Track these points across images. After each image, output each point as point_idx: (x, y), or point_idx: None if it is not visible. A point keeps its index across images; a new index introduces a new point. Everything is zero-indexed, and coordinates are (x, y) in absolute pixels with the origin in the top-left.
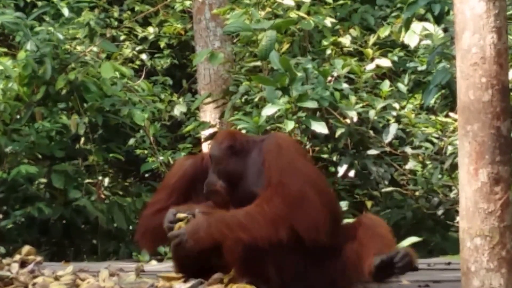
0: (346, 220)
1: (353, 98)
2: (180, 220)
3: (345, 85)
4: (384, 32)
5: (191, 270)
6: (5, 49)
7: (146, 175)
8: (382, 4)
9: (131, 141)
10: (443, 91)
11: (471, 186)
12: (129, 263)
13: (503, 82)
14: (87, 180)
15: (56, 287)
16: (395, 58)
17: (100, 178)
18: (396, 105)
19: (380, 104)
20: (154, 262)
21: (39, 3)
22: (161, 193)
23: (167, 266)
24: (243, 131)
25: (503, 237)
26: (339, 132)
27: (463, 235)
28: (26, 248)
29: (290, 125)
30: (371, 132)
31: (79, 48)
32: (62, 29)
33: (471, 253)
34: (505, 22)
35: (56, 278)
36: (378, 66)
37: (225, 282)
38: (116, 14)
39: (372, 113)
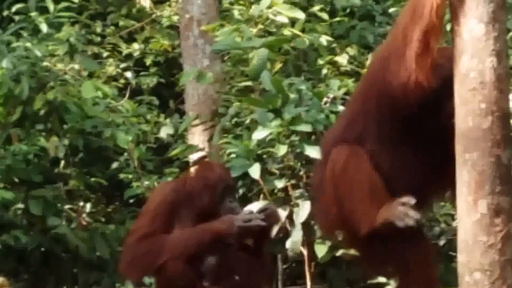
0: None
1: None
2: None
3: (341, 107)
4: None
5: None
6: None
7: (131, 201)
8: (381, 21)
9: (115, 165)
10: None
11: (470, 218)
12: None
13: (503, 108)
14: (67, 206)
15: None
16: None
17: (81, 204)
18: None
19: None
20: None
21: (16, 18)
22: (143, 219)
23: None
24: (233, 156)
25: (503, 271)
26: None
27: (462, 269)
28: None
29: (282, 149)
30: None
31: (58, 65)
32: (41, 45)
33: None
34: (505, 46)
35: None
36: None
37: None
38: (99, 30)
39: None
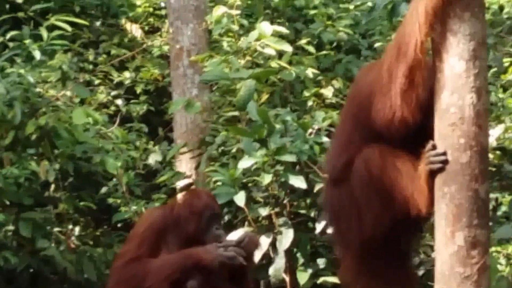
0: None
1: None
2: None
3: (325, 139)
4: None
5: None
6: None
7: (119, 225)
8: (367, 55)
9: (103, 190)
10: None
11: (448, 249)
12: None
13: (481, 143)
14: (56, 229)
15: None
16: None
17: (70, 227)
18: None
19: None
20: None
21: (11, 44)
22: (130, 243)
23: None
24: (219, 184)
25: None
26: (318, 187)
27: None
28: None
29: (267, 178)
30: None
31: (51, 92)
32: (34, 72)
33: None
34: (485, 82)
35: None
36: None
37: None
38: (91, 58)
39: None
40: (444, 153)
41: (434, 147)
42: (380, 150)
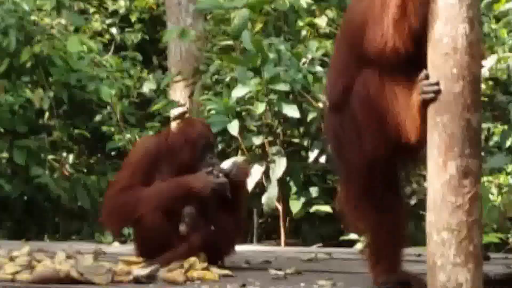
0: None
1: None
2: None
3: (319, 68)
4: None
5: (153, 253)
6: None
7: (112, 153)
8: None
9: (98, 118)
10: None
11: (439, 179)
12: (91, 244)
13: (474, 73)
14: (50, 157)
15: (10, 269)
16: None
17: (64, 155)
18: None
19: None
20: (116, 244)
21: None
22: (124, 171)
23: (130, 248)
24: (212, 112)
25: (470, 231)
26: (311, 116)
27: (430, 228)
28: None
29: (260, 107)
30: None
31: (46, 20)
32: (29, 0)
33: (437, 247)
34: (478, 13)
35: (11, 259)
36: None
37: (185, 268)
38: None
39: None
40: (437, 83)
41: (427, 77)
42: (379, 72)
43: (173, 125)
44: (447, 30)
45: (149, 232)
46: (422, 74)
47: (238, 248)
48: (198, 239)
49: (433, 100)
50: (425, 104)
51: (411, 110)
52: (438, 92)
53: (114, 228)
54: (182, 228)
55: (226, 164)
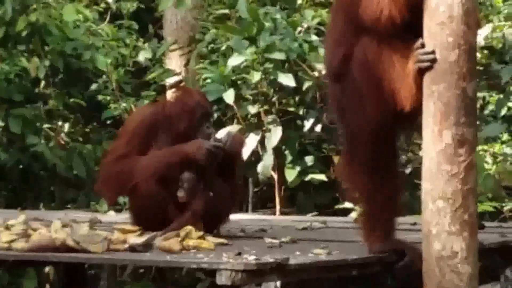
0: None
1: (322, 51)
2: None
3: (314, 37)
4: None
5: (148, 222)
6: None
7: (108, 122)
8: None
9: (93, 87)
10: None
11: (435, 147)
12: (87, 213)
13: (470, 42)
14: (46, 125)
15: (6, 237)
16: None
17: (60, 123)
18: None
19: None
20: (112, 212)
21: None
22: (120, 140)
23: (125, 217)
24: (208, 81)
25: (466, 200)
26: (306, 85)
27: (425, 196)
28: None
29: (256, 76)
30: None
31: None
32: None
33: (433, 216)
34: None
35: (7, 228)
36: None
37: (181, 237)
38: None
39: None
40: (433, 52)
41: (423, 46)
42: (377, 40)
43: (170, 94)
44: None
45: (145, 201)
46: (418, 43)
47: (234, 216)
48: (200, 206)
49: (428, 68)
50: (420, 73)
51: (406, 78)
52: (434, 60)
53: (110, 196)
54: (181, 194)
55: (221, 134)
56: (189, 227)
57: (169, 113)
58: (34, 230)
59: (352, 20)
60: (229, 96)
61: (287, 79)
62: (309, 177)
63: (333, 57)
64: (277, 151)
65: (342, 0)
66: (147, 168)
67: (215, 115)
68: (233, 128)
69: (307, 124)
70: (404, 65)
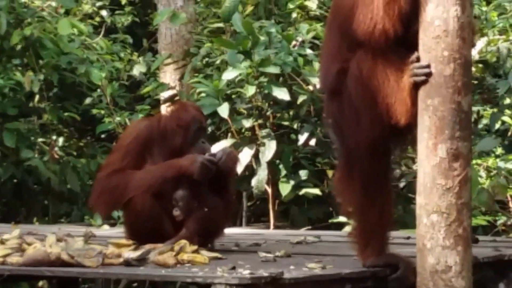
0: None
1: (317, 65)
2: None
3: (309, 51)
4: None
5: (143, 236)
6: None
7: (102, 136)
8: None
9: (88, 101)
10: None
11: (430, 161)
12: (81, 227)
13: (465, 56)
14: (40, 140)
15: (0, 251)
16: None
17: (54, 137)
18: None
19: None
20: (106, 226)
21: None
22: (115, 154)
23: (119, 231)
24: (203, 95)
25: (460, 214)
26: (301, 99)
27: (420, 211)
28: None
29: (251, 90)
30: None
31: (36, 2)
32: None
33: (427, 230)
34: None
35: (2, 242)
36: None
37: (176, 251)
38: None
39: None
40: (428, 66)
41: (418, 59)
42: (372, 53)
43: (165, 108)
44: (438, 13)
45: (139, 215)
46: (413, 57)
47: (228, 231)
48: (195, 223)
49: (424, 82)
50: (415, 87)
51: (401, 92)
52: (429, 74)
53: (103, 211)
54: (177, 213)
55: (216, 149)
56: (183, 241)
57: (164, 127)
58: (29, 244)
59: (346, 34)
60: (223, 110)
61: (281, 93)
62: (303, 191)
63: (328, 72)
64: (271, 165)
65: (336, 15)
66: (142, 182)
67: (209, 129)
68: (228, 143)
69: (302, 138)
70: (399, 79)
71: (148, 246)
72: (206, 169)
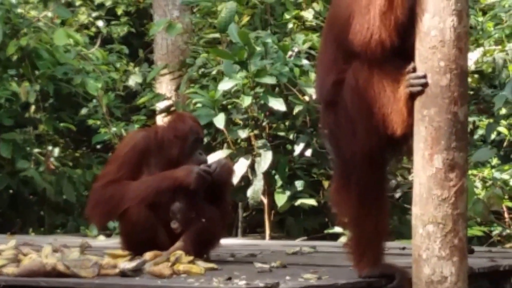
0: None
1: (313, 75)
2: None
3: (305, 61)
4: None
5: (139, 247)
6: None
7: (98, 146)
8: None
9: (84, 111)
10: None
11: (426, 172)
12: (77, 238)
13: (461, 66)
14: (36, 150)
15: None
16: None
17: (49, 148)
18: None
19: None
20: (102, 237)
21: None
22: (111, 165)
23: (115, 242)
24: (198, 105)
25: (456, 224)
26: (297, 109)
27: (415, 221)
28: None
29: (247, 100)
30: None
31: (32, 13)
32: None
33: (423, 240)
34: (466, 5)
35: None
36: None
37: (172, 261)
38: None
39: None
40: (424, 76)
41: (414, 70)
42: (368, 64)
43: (163, 119)
44: (435, 23)
45: (134, 226)
46: (410, 67)
47: (224, 241)
48: (192, 234)
49: (420, 93)
50: (412, 97)
51: (398, 103)
52: (425, 85)
53: (99, 221)
54: (175, 225)
55: (212, 160)
56: (179, 252)
57: (162, 138)
58: (25, 255)
59: (342, 45)
60: (219, 121)
61: (277, 104)
62: (299, 201)
63: (323, 83)
64: (267, 175)
65: (332, 25)
66: (137, 193)
67: (205, 140)
68: (224, 154)
69: (297, 148)
70: (395, 90)
71: (149, 254)
72: (202, 179)
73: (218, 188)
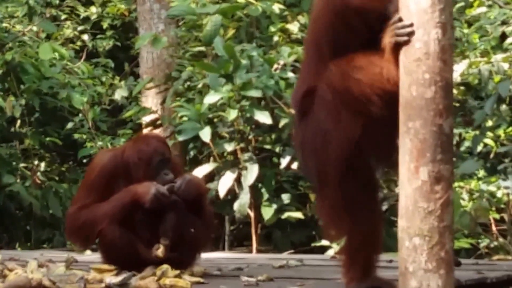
0: (288, 214)
1: None
2: None
3: (290, 74)
4: None
5: (119, 262)
6: None
7: (84, 160)
8: None
9: (69, 125)
10: None
11: (411, 184)
12: (63, 252)
13: (446, 78)
14: (22, 165)
15: None
16: None
17: (35, 162)
18: None
19: None
20: (88, 252)
21: None
22: (82, 190)
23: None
24: (184, 119)
25: (442, 237)
26: (283, 122)
27: (401, 234)
28: None
29: (233, 114)
30: None
31: (17, 27)
32: (0, 6)
33: (409, 253)
34: (450, 18)
35: None
36: None
37: (158, 275)
38: None
39: None
40: (411, 25)
41: (400, 20)
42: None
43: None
44: (419, 35)
45: (111, 245)
46: (396, 18)
47: (210, 255)
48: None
49: (406, 43)
50: (397, 48)
51: (384, 57)
52: (411, 34)
53: (80, 245)
54: (165, 242)
55: (201, 171)
56: (165, 266)
57: (127, 160)
58: (10, 270)
59: (318, 51)
60: (205, 134)
61: (263, 117)
62: (285, 215)
63: (297, 94)
64: (254, 189)
65: (311, 32)
66: (107, 213)
67: (191, 153)
68: (210, 167)
69: (284, 161)
70: (377, 56)
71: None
72: (157, 200)
73: (192, 203)
